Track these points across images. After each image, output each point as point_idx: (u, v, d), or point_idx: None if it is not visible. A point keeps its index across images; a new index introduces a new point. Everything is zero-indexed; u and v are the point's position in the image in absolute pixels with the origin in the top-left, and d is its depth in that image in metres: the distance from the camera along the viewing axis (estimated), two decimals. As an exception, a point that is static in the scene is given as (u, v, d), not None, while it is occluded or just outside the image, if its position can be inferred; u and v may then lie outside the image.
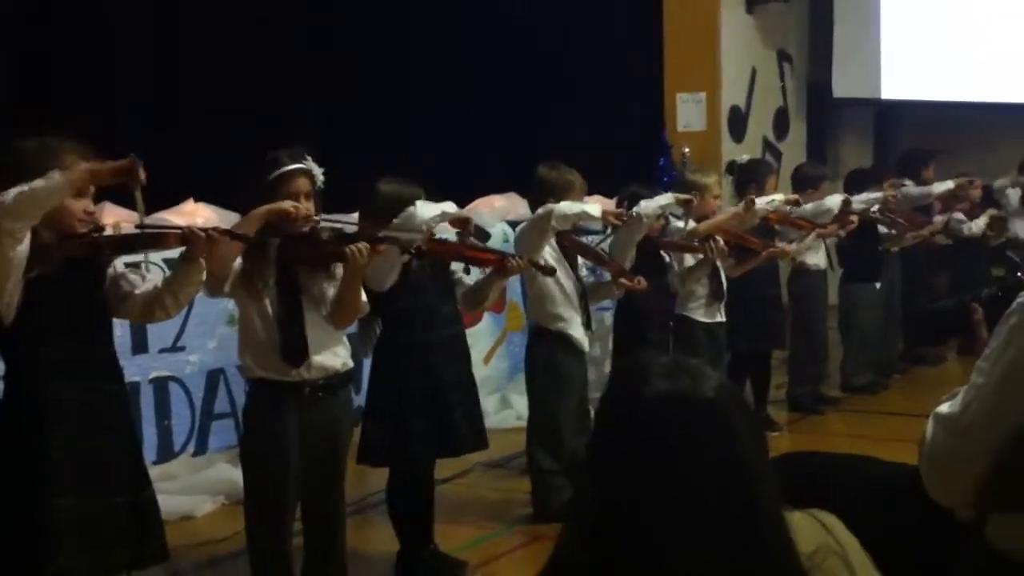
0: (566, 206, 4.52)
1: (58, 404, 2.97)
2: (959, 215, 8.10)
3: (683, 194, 5.03)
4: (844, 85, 10.15)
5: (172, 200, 5.65)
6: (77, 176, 2.82)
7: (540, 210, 4.57)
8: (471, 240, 4.10)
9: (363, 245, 3.36)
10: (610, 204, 6.24)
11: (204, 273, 3.13)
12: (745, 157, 6.79)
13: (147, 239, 3.27)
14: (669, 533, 1.44)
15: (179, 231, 3.18)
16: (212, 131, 6.24)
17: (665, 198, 4.95)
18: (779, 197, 5.79)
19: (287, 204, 3.36)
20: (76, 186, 2.84)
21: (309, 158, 3.49)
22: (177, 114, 6.15)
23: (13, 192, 2.74)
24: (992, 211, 8.15)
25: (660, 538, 1.44)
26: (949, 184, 7.51)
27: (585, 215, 4.57)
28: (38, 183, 2.74)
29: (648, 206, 4.85)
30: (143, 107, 6.01)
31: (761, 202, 5.57)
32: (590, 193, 5.53)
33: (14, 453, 2.98)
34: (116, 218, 4.90)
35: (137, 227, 3.14)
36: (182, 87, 6.16)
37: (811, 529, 1.57)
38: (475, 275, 4.25)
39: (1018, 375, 1.98)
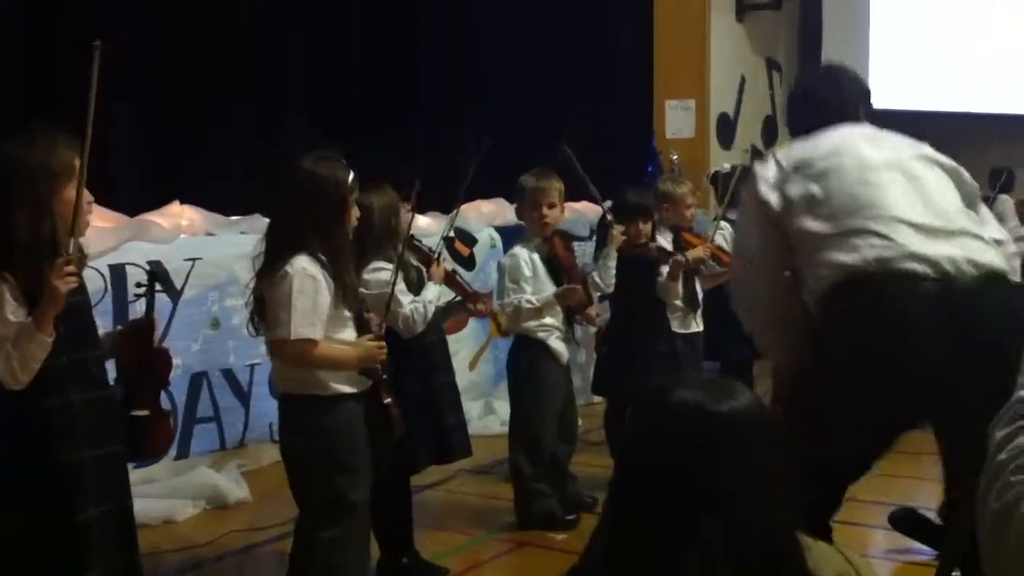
0: (521, 320, 4.71)
1: (68, 415, 2.94)
2: None
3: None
4: (832, 94, 10.17)
5: (158, 202, 5.63)
6: (47, 318, 2.83)
7: (516, 306, 4.69)
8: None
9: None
10: (597, 210, 6.22)
11: None
12: (727, 166, 6.77)
13: None
14: (678, 541, 1.49)
15: None
16: (199, 133, 6.22)
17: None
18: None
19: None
20: (50, 323, 2.84)
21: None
22: (164, 116, 6.12)
23: (16, 366, 2.82)
24: None
25: (669, 546, 1.49)
26: None
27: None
28: (24, 345, 2.82)
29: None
30: (129, 107, 5.97)
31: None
32: (577, 199, 5.54)
33: (30, 466, 2.92)
34: (98, 218, 4.87)
35: None
36: (169, 89, 6.13)
37: (836, 560, 1.62)
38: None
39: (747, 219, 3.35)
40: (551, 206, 4.75)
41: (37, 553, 2.93)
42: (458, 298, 4.39)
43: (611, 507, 1.61)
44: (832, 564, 1.61)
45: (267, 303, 3.33)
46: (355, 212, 3.44)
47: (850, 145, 3.19)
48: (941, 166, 3.22)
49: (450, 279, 4.31)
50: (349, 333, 3.42)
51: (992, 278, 2.92)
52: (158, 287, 3.60)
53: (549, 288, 4.74)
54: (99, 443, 3.01)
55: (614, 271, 4.94)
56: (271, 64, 6.68)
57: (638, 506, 1.55)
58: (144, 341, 3.32)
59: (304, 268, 3.27)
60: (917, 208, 3.02)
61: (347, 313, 3.41)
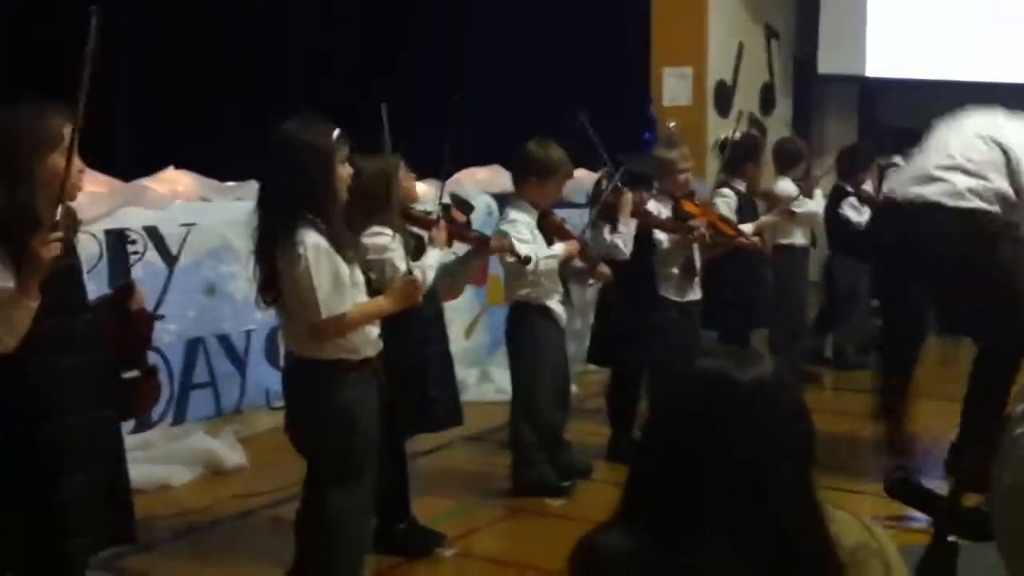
0: (541, 266, 4.62)
1: (55, 379, 2.93)
2: None
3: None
4: (829, 62, 10.13)
5: (153, 167, 5.61)
6: (31, 285, 2.81)
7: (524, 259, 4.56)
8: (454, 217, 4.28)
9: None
10: (594, 177, 6.22)
11: None
12: (737, 134, 6.73)
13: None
14: (700, 508, 1.53)
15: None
16: (194, 98, 6.19)
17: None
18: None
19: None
20: (35, 289, 2.82)
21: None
22: (160, 82, 6.09)
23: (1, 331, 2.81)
24: None
25: (690, 513, 1.53)
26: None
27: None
28: (8, 311, 2.80)
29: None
30: (125, 75, 5.94)
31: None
32: (575, 166, 5.50)
33: (17, 433, 2.92)
34: (94, 183, 4.86)
35: None
36: (165, 55, 6.10)
37: (856, 529, 1.65)
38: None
39: None
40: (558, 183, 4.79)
41: (23, 519, 2.93)
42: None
43: (631, 476, 1.64)
44: (853, 533, 1.62)
45: (284, 282, 3.28)
46: (347, 171, 3.38)
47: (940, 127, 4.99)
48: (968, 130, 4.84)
49: (454, 234, 4.29)
50: (361, 297, 3.40)
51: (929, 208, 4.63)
52: (131, 249, 3.55)
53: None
54: (85, 407, 3.00)
55: (631, 237, 5.00)
56: (267, 33, 6.65)
57: (659, 474, 1.57)
58: (122, 304, 3.28)
59: (317, 244, 3.23)
60: (919, 163, 4.86)
61: (359, 275, 3.39)
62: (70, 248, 3.03)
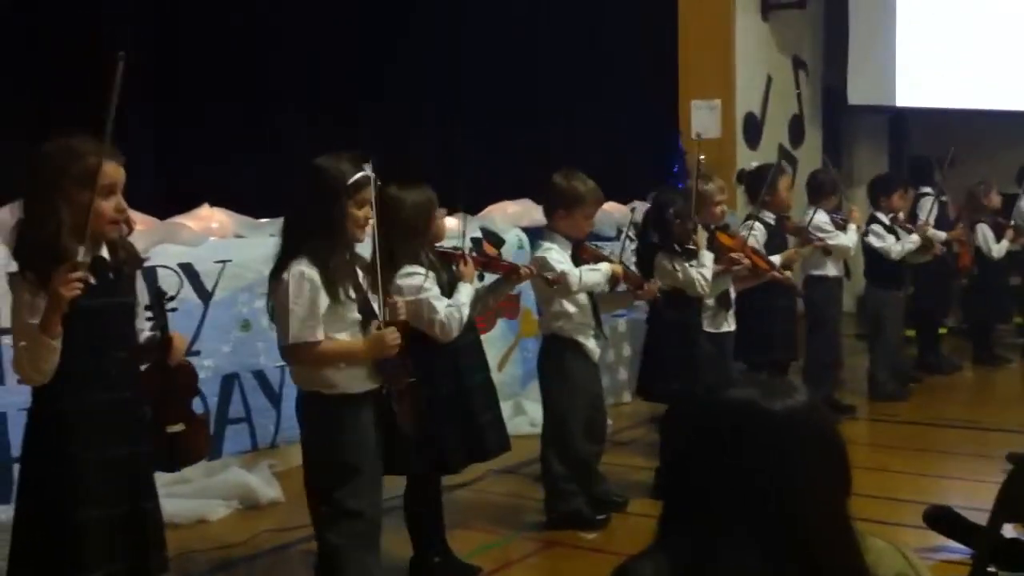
0: (585, 279, 4.60)
1: (83, 414, 2.96)
2: (986, 230, 8.23)
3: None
4: (859, 92, 10.14)
5: (187, 205, 5.66)
6: (50, 322, 2.82)
7: (561, 278, 4.54)
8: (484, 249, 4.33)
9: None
10: (624, 210, 6.25)
11: None
12: (753, 164, 6.77)
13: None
14: (727, 537, 1.51)
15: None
16: (225, 136, 6.25)
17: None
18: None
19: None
20: (54, 327, 2.83)
21: (369, 164, 3.41)
22: (191, 119, 6.15)
23: (27, 365, 2.87)
24: (1010, 232, 8.30)
25: (718, 542, 1.52)
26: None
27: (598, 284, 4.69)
28: (32, 347, 2.84)
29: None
30: (155, 112, 6.01)
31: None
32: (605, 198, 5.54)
33: (43, 464, 2.98)
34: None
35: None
36: (195, 92, 6.16)
37: (893, 557, 1.63)
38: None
39: None
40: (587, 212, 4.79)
41: (40, 549, 2.97)
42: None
43: (662, 505, 1.64)
44: (891, 562, 1.61)
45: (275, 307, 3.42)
46: (362, 212, 3.40)
47: None
48: None
49: (483, 265, 4.32)
50: (345, 336, 3.43)
51: None
52: (168, 304, 3.56)
53: None
54: (114, 445, 3.02)
55: (712, 271, 5.04)
56: (283, 67, 6.71)
57: (688, 504, 1.57)
58: (161, 359, 3.25)
59: (301, 272, 3.31)
60: None
61: (352, 315, 3.40)
62: (128, 286, 3.08)
